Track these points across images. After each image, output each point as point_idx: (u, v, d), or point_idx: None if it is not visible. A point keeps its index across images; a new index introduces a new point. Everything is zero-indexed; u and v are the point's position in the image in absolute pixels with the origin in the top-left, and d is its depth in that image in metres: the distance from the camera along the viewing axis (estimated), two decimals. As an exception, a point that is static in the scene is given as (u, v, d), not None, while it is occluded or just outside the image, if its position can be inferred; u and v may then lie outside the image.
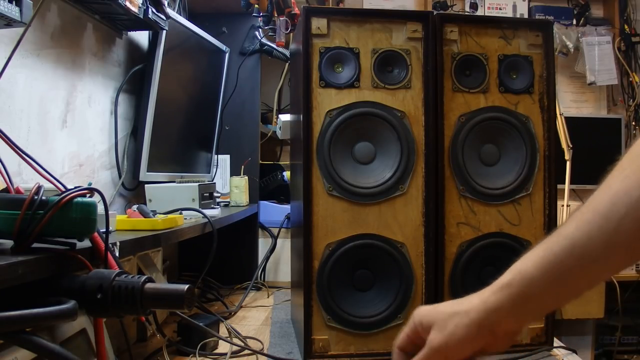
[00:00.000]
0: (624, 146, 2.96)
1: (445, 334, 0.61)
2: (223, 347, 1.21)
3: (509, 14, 2.98)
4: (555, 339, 1.26)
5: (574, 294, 0.59)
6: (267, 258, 2.04)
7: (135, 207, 1.17)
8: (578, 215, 0.56)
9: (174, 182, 1.54)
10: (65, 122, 1.27)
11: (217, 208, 1.60)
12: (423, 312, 0.66)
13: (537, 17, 2.92)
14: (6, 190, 0.69)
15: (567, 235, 0.56)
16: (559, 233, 0.57)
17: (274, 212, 2.11)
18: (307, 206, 1.15)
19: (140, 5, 1.34)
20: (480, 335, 0.60)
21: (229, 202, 1.98)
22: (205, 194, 1.52)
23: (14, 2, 0.83)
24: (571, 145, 2.42)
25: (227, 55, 2.03)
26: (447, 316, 0.62)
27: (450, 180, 1.20)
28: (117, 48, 1.53)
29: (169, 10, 1.47)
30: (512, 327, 0.61)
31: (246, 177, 2.00)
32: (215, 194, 1.64)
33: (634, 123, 3.02)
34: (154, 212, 1.20)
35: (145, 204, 1.43)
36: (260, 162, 2.17)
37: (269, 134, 2.31)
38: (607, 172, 0.56)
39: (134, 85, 1.59)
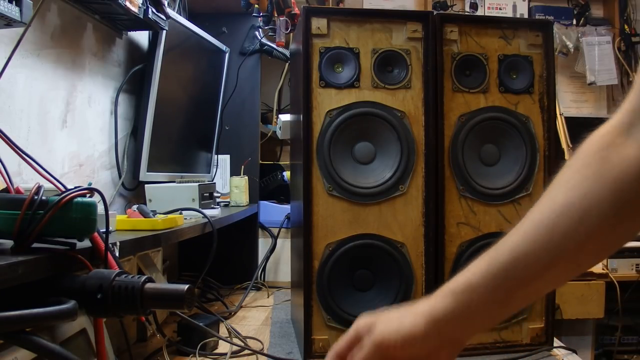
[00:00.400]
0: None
1: (389, 329, 0.61)
2: (223, 347, 1.21)
3: (509, 14, 2.97)
4: (555, 339, 1.26)
5: (518, 304, 0.60)
6: (267, 258, 2.04)
7: (135, 207, 1.17)
8: (523, 227, 0.57)
9: (174, 182, 1.54)
10: (65, 122, 1.27)
11: (217, 208, 1.60)
12: (367, 317, 0.65)
13: (537, 17, 2.92)
14: (6, 190, 0.69)
15: (513, 246, 0.56)
16: (504, 243, 0.57)
17: (274, 212, 2.11)
18: (307, 206, 1.15)
19: (140, 5, 1.34)
20: (426, 335, 0.59)
21: (229, 202, 1.98)
22: (205, 194, 1.52)
23: (14, 2, 0.83)
24: (571, 145, 2.41)
25: (227, 55, 2.03)
26: (393, 316, 0.62)
27: (450, 180, 1.20)
28: (117, 48, 1.53)
29: (169, 10, 1.47)
30: (457, 334, 0.61)
31: (246, 177, 2.00)
32: (215, 194, 1.64)
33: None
34: (154, 212, 1.20)
35: (145, 204, 1.43)
36: (260, 162, 2.17)
37: (269, 134, 2.31)
38: (550, 182, 0.58)
39: (134, 85, 1.59)
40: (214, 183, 1.73)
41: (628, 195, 0.53)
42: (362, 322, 0.65)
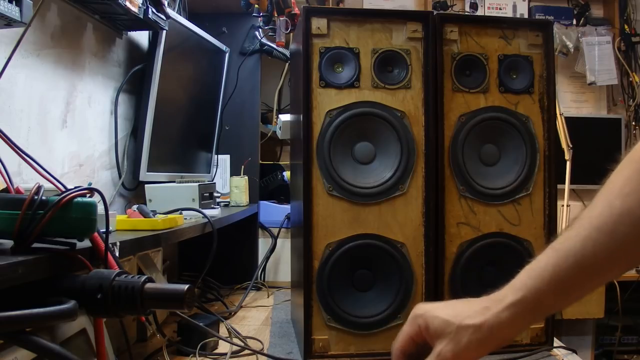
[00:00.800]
0: (624, 146, 2.96)
1: (458, 347, 0.63)
2: (223, 347, 1.21)
3: (509, 14, 2.98)
4: (555, 339, 1.26)
5: (576, 300, 0.64)
6: (267, 258, 2.04)
7: (135, 207, 1.17)
8: (581, 232, 0.60)
9: (174, 182, 1.54)
10: (65, 122, 1.27)
11: (217, 208, 1.60)
12: (427, 315, 0.67)
13: (537, 17, 2.92)
14: (6, 190, 0.69)
15: (575, 252, 0.60)
16: (564, 250, 0.60)
17: (274, 212, 2.11)
18: (307, 206, 1.15)
19: (140, 5, 1.34)
20: (490, 346, 0.63)
21: (229, 202, 1.98)
22: (205, 194, 1.52)
23: (14, 2, 0.83)
24: (571, 145, 2.41)
25: (227, 55, 2.03)
26: (458, 329, 0.64)
27: (450, 180, 1.20)
28: (117, 48, 1.53)
29: (169, 10, 1.47)
30: (518, 334, 0.65)
31: (246, 177, 2.00)
32: (215, 194, 1.64)
33: (634, 123, 3.02)
34: (154, 212, 1.20)
35: (145, 204, 1.43)
36: (260, 162, 2.17)
37: (269, 134, 2.31)
38: (601, 185, 0.60)
39: (134, 85, 1.59)
40: (214, 183, 1.73)
41: None
42: (422, 320, 0.67)
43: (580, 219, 0.61)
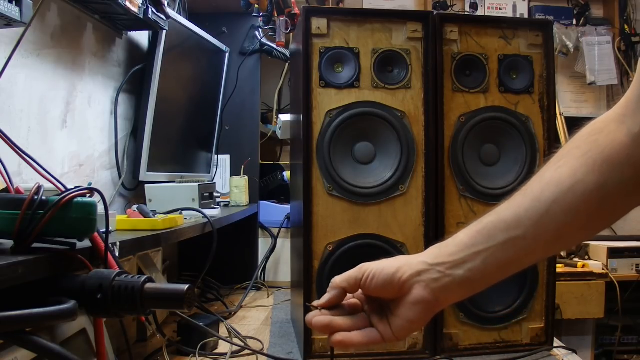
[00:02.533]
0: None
1: (376, 263, 0.67)
2: (223, 347, 1.21)
3: (509, 14, 2.97)
4: (555, 339, 1.26)
5: (502, 266, 0.63)
6: (267, 258, 2.04)
7: (135, 207, 1.17)
8: (511, 198, 0.62)
9: (174, 182, 1.53)
10: (65, 122, 1.27)
11: (217, 208, 1.60)
12: (366, 264, 0.69)
13: (537, 17, 2.92)
14: (6, 190, 0.69)
15: (497, 210, 0.62)
16: (491, 211, 0.63)
17: (274, 212, 2.11)
18: (307, 206, 1.15)
19: (140, 5, 1.34)
20: (405, 274, 0.64)
21: (229, 202, 1.98)
22: (205, 194, 1.52)
23: (14, 2, 0.83)
24: (571, 145, 2.41)
25: (227, 55, 2.03)
26: (389, 260, 0.68)
27: (450, 180, 1.20)
28: (117, 48, 1.53)
29: (169, 10, 1.47)
30: (435, 280, 0.64)
31: (246, 177, 2.00)
32: (215, 194, 1.64)
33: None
34: (154, 212, 1.20)
35: (145, 204, 1.43)
36: (260, 162, 2.17)
37: (269, 134, 2.31)
38: (544, 165, 0.63)
39: (134, 85, 1.59)
40: (214, 183, 1.73)
41: (614, 176, 0.57)
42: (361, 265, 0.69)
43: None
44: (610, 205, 0.59)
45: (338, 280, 0.67)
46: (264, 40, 2.12)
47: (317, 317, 0.66)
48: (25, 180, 1.00)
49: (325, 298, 0.67)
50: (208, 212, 1.41)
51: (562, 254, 2.34)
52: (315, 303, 0.68)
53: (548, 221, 0.59)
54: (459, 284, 0.63)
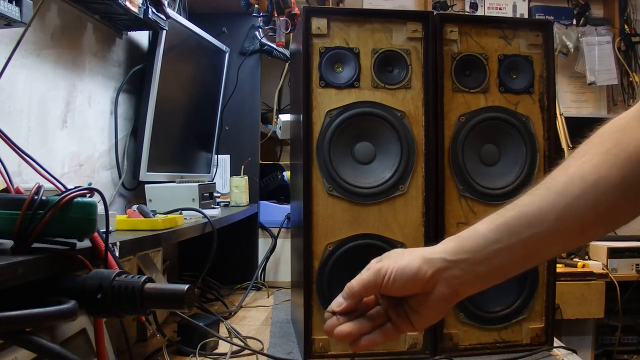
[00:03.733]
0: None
1: (392, 261, 0.65)
2: (223, 347, 1.21)
3: (509, 14, 2.97)
4: (555, 339, 1.26)
5: (523, 261, 0.64)
6: (267, 258, 2.04)
7: (135, 207, 1.17)
8: (533, 190, 0.62)
9: (174, 182, 1.54)
10: (65, 122, 1.27)
11: (217, 208, 1.60)
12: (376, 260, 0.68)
13: (537, 17, 2.92)
14: (6, 190, 0.69)
15: (519, 204, 0.62)
16: (514, 202, 0.62)
17: (274, 212, 2.11)
18: (307, 206, 1.15)
19: (140, 5, 1.34)
20: (427, 272, 0.63)
21: (229, 202, 1.98)
22: (205, 194, 1.52)
23: (14, 2, 0.83)
24: (571, 145, 2.41)
25: (227, 55, 2.03)
26: (400, 252, 0.67)
27: (450, 180, 1.20)
28: (117, 48, 1.53)
29: (169, 10, 1.47)
30: (457, 277, 0.63)
31: (246, 177, 2.00)
32: (215, 194, 1.64)
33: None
34: (154, 212, 1.20)
35: (145, 204, 1.43)
36: (260, 162, 2.17)
37: (269, 134, 2.31)
38: (566, 159, 0.63)
39: (134, 85, 1.59)
40: (214, 183, 1.73)
41: (636, 173, 0.58)
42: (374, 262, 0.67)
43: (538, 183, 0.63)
44: (631, 201, 0.59)
45: (356, 287, 0.66)
46: (264, 40, 2.12)
47: (339, 328, 0.65)
48: (25, 180, 1.00)
49: (343, 305, 0.66)
50: (208, 212, 1.41)
51: (562, 254, 2.34)
52: (334, 308, 0.66)
53: (571, 216, 0.59)
54: (480, 279, 0.64)
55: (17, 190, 0.69)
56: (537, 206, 0.61)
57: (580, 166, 0.60)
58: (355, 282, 0.66)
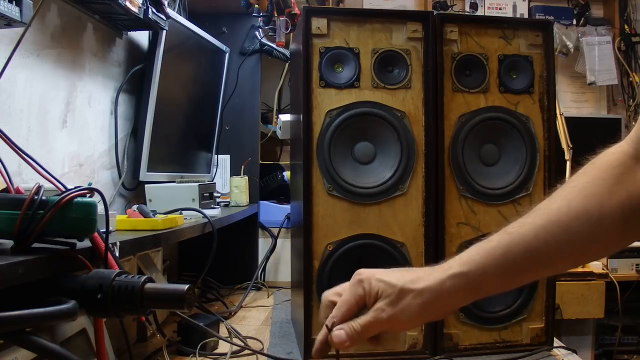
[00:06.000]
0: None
1: (396, 309, 0.64)
2: (223, 347, 1.21)
3: (509, 14, 2.98)
4: (555, 339, 1.26)
5: (517, 286, 0.69)
6: (267, 258, 2.04)
7: (135, 207, 1.17)
8: (537, 221, 0.63)
9: (174, 182, 1.54)
10: (65, 122, 1.27)
11: (217, 208, 1.60)
12: (371, 279, 0.67)
13: (537, 17, 2.92)
14: (6, 190, 0.69)
15: (527, 239, 0.63)
16: (517, 234, 0.64)
17: (274, 212, 2.11)
18: (307, 206, 1.15)
19: (140, 5, 1.34)
20: (430, 313, 0.65)
21: (229, 202, 1.98)
22: (205, 194, 1.52)
23: (14, 2, 0.83)
24: (571, 145, 2.41)
25: (227, 55, 2.03)
26: (400, 292, 0.65)
27: (450, 180, 1.20)
28: (117, 48, 1.53)
29: (169, 10, 1.47)
30: (457, 307, 0.68)
31: (246, 177, 2.00)
32: (215, 194, 1.64)
33: (634, 123, 3.02)
34: (154, 212, 1.20)
35: (145, 204, 1.43)
36: (260, 162, 2.17)
37: (269, 134, 2.31)
38: (564, 183, 0.65)
39: (134, 85, 1.59)
40: (214, 183, 1.73)
41: (636, 212, 0.61)
42: (367, 284, 0.67)
43: (538, 210, 0.64)
44: (631, 235, 0.63)
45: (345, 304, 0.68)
46: (264, 40, 2.12)
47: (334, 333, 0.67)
48: (25, 180, 1.00)
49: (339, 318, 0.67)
50: (208, 212, 1.41)
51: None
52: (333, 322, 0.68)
53: (571, 249, 0.63)
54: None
55: (17, 190, 0.69)
56: (544, 241, 0.63)
57: (583, 201, 0.62)
58: (344, 304, 0.68)
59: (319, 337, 0.69)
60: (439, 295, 0.64)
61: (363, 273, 0.68)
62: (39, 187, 0.65)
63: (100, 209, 0.71)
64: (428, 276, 0.65)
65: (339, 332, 0.66)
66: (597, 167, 0.64)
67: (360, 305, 0.67)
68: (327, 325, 0.68)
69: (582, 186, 0.63)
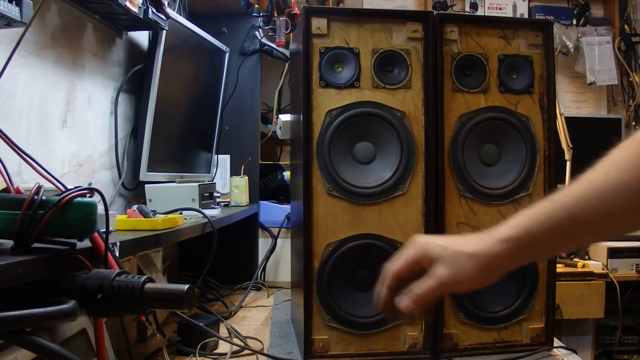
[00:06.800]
0: (624, 146, 2.94)
1: (453, 270, 0.69)
2: (223, 347, 1.21)
3: (509, 14, 2.98)
4: (555, 339, 1.26)
5: (563, 251, 0.75)
6: (267, 258, 2.04)
7: (135, 207, 1.17)
8: (577, 190, 0.67)
9: (174, 182, 1.54)
10: (65, 122, 1.27)
11: (217, 208, 1.60)
12: (427, 245, 0.72)
13: (537, 17, 2.92)
14: (6, 190, 0.69)
15: (569, 206, 0.66)
16: (560, 202, 0.67)
17: (274, 212, 2.11)
18: (307, 206, 1.15)
19: (140, 5, 1.34)
20: (484, 275, 0.69)
21: (229, 202, 1.98)
22: (205, 194, 1.52)
23: (14, 2, 0.83)
24: (571, 145, 2.41)
25: (227, 55, 2.03)
26: (456, 254, 0.69)
27: (450, 180, 1.20)
28: (117, 48, 1.53)
29: (169, 10, 1.47)
30: (507, 270, 0.70)
31: (246, 177, 2.00)
32: (215, 194, 1.64)
33: (634, 123, 3.02)
34: (154, 212, 1.20)
35: (145, 204, 1.43)
36: (260, 162, 2.17)
37: (269, 134, 2.31)
38: (604, 157, 0.67)
39: (134, 85, 1.59)
40: (214, 183, 1.73)
41: None
42: (421, 249, 0.72)
43: (579, 181, 0.67)
44: None
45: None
46: (264, 40, 2.12)
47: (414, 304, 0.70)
48: (25, 180, 1.00)
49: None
50: (208, 212, 1.41)
51: (562, 254, 2.34)
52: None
53: (609, 218, 0.65)
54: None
55: (17, 190, 0.69)
56: (583, 209, 0.65)
57: (619, 174, 0.64)
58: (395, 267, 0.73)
59: (381, 300, 0.73)
60: (492, 258, 0.68)
61: (419, 237, 0.73)
62: (39, 187, 0.65)
63: (100, 209, 0.71)
64: (479, 240, 0.69)
65: (404, 298, 0.71)
66: (636, 139, 0.66)
67: (413, 267, 0.72)
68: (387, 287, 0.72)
69: (619, 160, 0.65)
